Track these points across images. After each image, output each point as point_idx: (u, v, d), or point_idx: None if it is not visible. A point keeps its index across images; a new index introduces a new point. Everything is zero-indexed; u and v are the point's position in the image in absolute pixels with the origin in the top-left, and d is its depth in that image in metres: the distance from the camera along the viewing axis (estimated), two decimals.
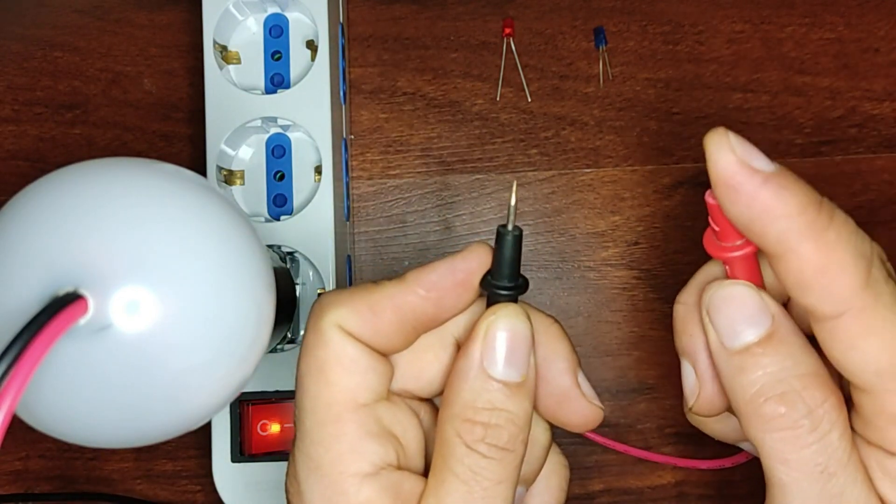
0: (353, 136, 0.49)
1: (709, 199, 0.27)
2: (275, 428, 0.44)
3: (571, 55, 0.49)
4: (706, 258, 0.30)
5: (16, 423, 0.24)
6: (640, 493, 0.48)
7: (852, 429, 0.28)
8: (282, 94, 0.44)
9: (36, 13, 0.50)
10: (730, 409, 0.31)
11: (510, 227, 0.29)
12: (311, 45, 0.46)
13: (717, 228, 0.28)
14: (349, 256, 0.48)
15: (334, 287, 0.43)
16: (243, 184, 0.46)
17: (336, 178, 0.44)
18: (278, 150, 0.46)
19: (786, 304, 0.29)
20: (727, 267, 0.29)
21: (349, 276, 0.47)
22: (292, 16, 0.46)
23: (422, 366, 0.31)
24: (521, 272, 0.30)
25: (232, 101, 0.44)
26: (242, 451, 0.43)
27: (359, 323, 0.29)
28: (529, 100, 0.49)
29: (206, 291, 0.26)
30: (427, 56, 0.49)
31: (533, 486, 0.33)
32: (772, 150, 0.48)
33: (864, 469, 0.27)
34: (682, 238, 0.48)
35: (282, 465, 0.43)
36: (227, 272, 0.27)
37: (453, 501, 0.28)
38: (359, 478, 0.28)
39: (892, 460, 0.27)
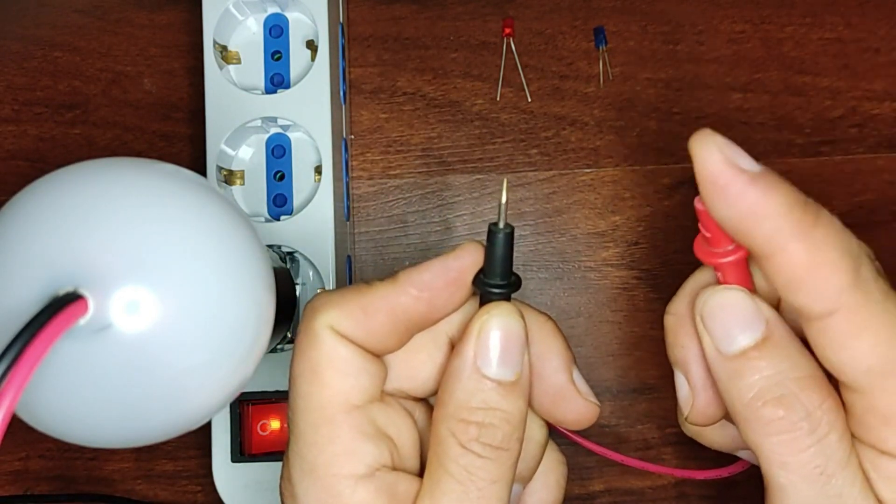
0: (353, 136, 0.49)
1: (698, 205, 0.27)
2: (275, 428, 0.44)
3: (571, 55, 0.49)
4: None
5: (16, 423, 0.24)
6: (641, 493, 0.48)
7: None
8: (282, 94, 0.44)
9: (36, 13, 0.50)
10: (725, 417, 0.31)
11: (501, 226, 0.28)
12: (311, 45, 0.46)
13: (707, 235, 0.28)
14: (349, 256, 0.48)
15: (334, 287, 0.43)
16: (243, 184, 0.46)
17: (336, 178, 0.44)
18: (278, 150, 0.46)
19: (776, 308, 0.29)
20: (719, 273, 0.29)
21: (349, 277, 0.47)
22: (292, 16, 0.46)
23: (416, 366, 0.31)
24: (520, 272, 0.30)
25: (232, 101, 0.44)
26: (242, 451, 0.43)
27: (351, 324, 0.29)
28: (530, 100, 0.49)
29: (206, 291, 0.26)
30: (427, 56, 0.49)
31: (530, 483, 0.33)
32: (772, 150, 0.48)
33: (862, 470, 0.27)
34: (682, 238, 0.48)
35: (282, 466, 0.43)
36: (227, 272, 0.27)
37: (449, 501, 0.28)
38: (353, 479, 0.28)
39: (885, 459, 0.27)
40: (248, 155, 0.46)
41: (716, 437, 0.33)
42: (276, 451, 0.44)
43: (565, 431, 0.34)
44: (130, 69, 0.50)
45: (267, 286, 0.29)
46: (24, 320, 0.22)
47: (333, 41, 0.45)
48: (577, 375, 0.31)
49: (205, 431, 0.44)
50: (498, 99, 0.49)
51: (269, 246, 0.43)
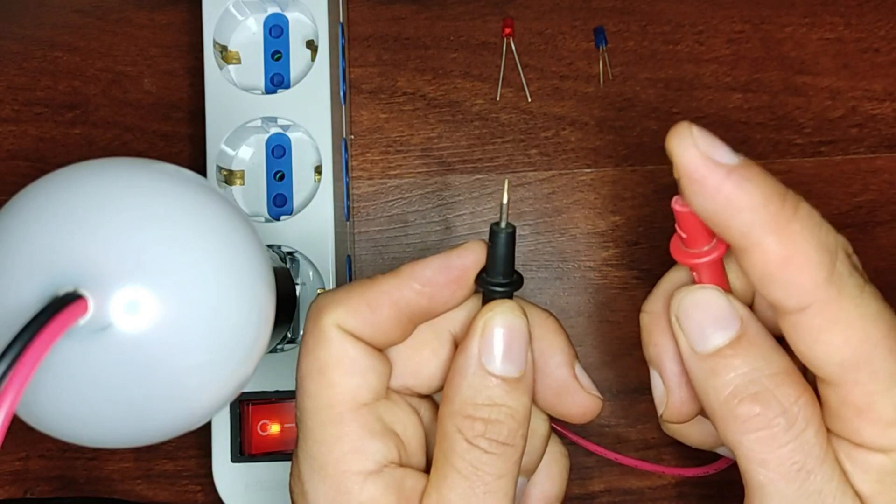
0: (353, 136, 0.49)
1: (675, 205, 0.27)
2: (275, 428, 0.44)
3: (571, 55, 0.49)
4: None
5: (16, 423, 0.24)
6: (641, 493, 0.48)
7: None
8: (282, 94, 0.44)
9: (36, 13, 0.50)
10: (702, 413, 0.31)
11: (503, 225, 0.29)
12: (311, 45, 0.46)
13: (683, 235, 0.28)
14: (349, 256, 0.48)
15: (334, 287, 0.43)
16: (243, 184, 0.46)
17: (336, 178, 0.44)
18: (278, 150, 0.46)
19: (750, 306, 0.29)
20: (694, 273, 0.29)
21: (349, 277, 0.47)
22: (292, 16, 0.46)
23: (420, 362, 0.31)
24: (521, 272, 0.30)
25: (232, 100, 0.44)
26: (242, 451, 0.43)
27: (357, 321, 0.29)
28: (529, 100, 0.49)
29: (206, 291, 0.26)
30: (427, 56, 0.49)
31: (534, 476, 0.34)
32: (772, 150, 0.48)
33: (839, 464, 0.27)
34: None
35: (282, 465, 0.43)
36: (227, 272, 0.27)
37: (455, 497, 0.28)
38: (362, 476, 0.28)
39: (861, 452, 0.27)
40: (248, 155, 0.46)
41: (694, 434, 0.33)
42: (277, 451, 0.44)
43: (563, 430, 0.34)
44: (130, 69, 0.50)
45: (267, 286, 0.29)
46: (24, 320, 0.22)
47: (333, 41, 0.45)
48: (579, 370, 0.32)
49: (205, 431, 0.44)
50: (498, 99, 0.49)
51: (269, 246, 0.43)
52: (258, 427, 0.44)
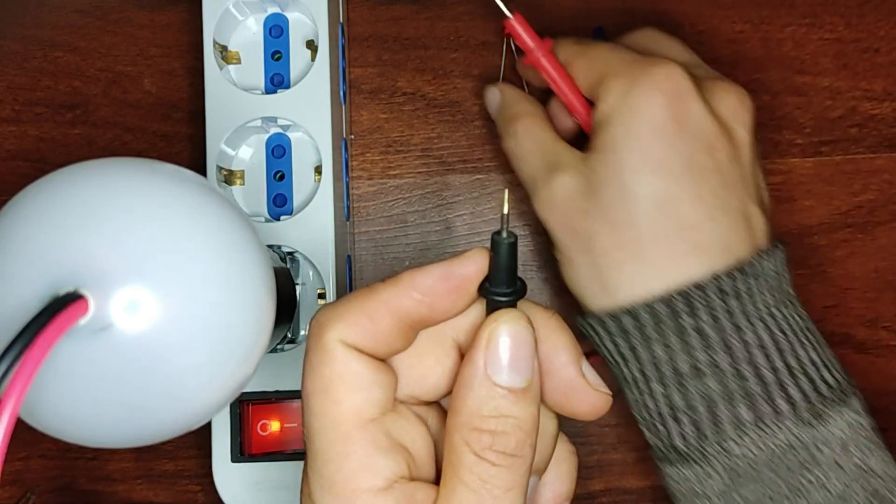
0: (353, 136, 0.49)
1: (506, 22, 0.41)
2: (275, 428, 0.44)
3: None
4: None
5: (16, 423, 0.24)
6: (641, 493, 0.48)
7: None
8: (282, 94, 0.44)
9: (36, 13, 0.50)
10: None
11: (504, 235, 0.28)
12: (311, 45, 0.46)
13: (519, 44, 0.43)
14: (349, 256, 0.48)
15: (334, 287, 0.43)
16: (243, 184, 0.45)
17: (336, 178, 0.44)
18: (278, 150, 0.45)
19: None
20: (545, 75, 0.43)
21: (349, 277, 0.47)
22: (292, 16, 0.46)
23: (424, 371, 0.31)
24: (520, 272, 0.30)
25: (232, 101, 0.44)
26: (242, 451, 0.43)
27: (358, 333, 0.29)
28: None
29: (207, 291, 0.26)
30: (427, 56, 0.49)
31: (544, 475, 0.33)
32: (772, 150, 0.48)
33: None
34: None
35: (282, 466, 0.43)
36: (227, 272, 0.27)
37: None
38: (372, 493, 0.28)
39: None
40: (248, 155, 0.46)
41: None
42: (277, 451, 0.44)
43: None
44: (131, 69, 0.50)
45: (267, 286, 0.29)
46: (24, 320, 0.22)
47: (333, 41, 0.45)
48: (586, 368, 0.31)
49: (205, 431, 0.44)
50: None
51: (269, 246, 0.43)
52: (258, 427, 0.44)
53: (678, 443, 0.40)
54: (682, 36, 0.48)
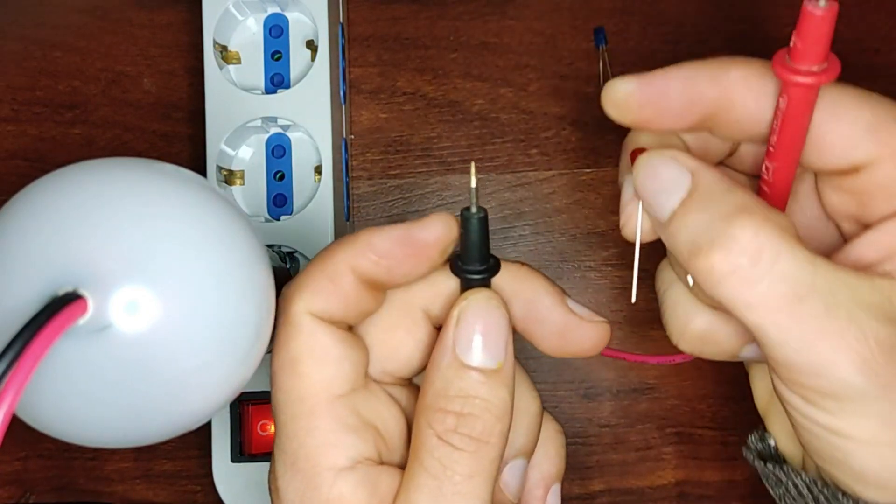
0: (353, 136, 0.49)
1: (808, 4, 0.23)
2: (275, 428, 0.44)
3: (572, 55, 0.49)
4: None
5: (15, 423, 0.24)
6: (641, 493, 0.48)
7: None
8: (282, 94, 0.44)
9: (36, 13, 0.50)
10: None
11: (474, 210, 0.27)
12: (311, 45, 0.46)
13: (798, 44, 0.24)
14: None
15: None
16: (243, 184, 0.45)
17: (336, 178, 0.44)
18: (278, 150, 0.45)
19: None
20: (782, 98, 0.26)
21: None
22: (292, 16, 0.46)
23: (395, 344, 0.30)
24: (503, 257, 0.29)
25: (232, 100, 0.44)
26: (242, 451, 0.43)
27: (323, 298, 0.28)
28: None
29: (206, 292, 0.26)
30: (427, 56, 0.49)
31: (532, 457, 0.32)
32: None
33: (843, 272, 0.25)
34: None
35: None
36: (226, 272, 0.27)
37: (422, 498, 0.27)
38: (334, 472, 0.27)
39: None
40: (248, 155, 0.46)
41: (708, 345, 0.31)
42: None
43: (617, 353, 0.33)
44: (130, 69, 0.50)
45: (267, 286, 0.29)
46: (23, 320, 0.22)
47: (333, 41, 0.45)
48: (573, 304, 0.30)
49: (205, 431, 0.44)
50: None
51: (269, 246, 0.43)
52: (258, 427, 0.44)
53: None
54: (683, 36, 0.48)
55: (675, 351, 0.31)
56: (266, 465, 0.43)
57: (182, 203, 0.26)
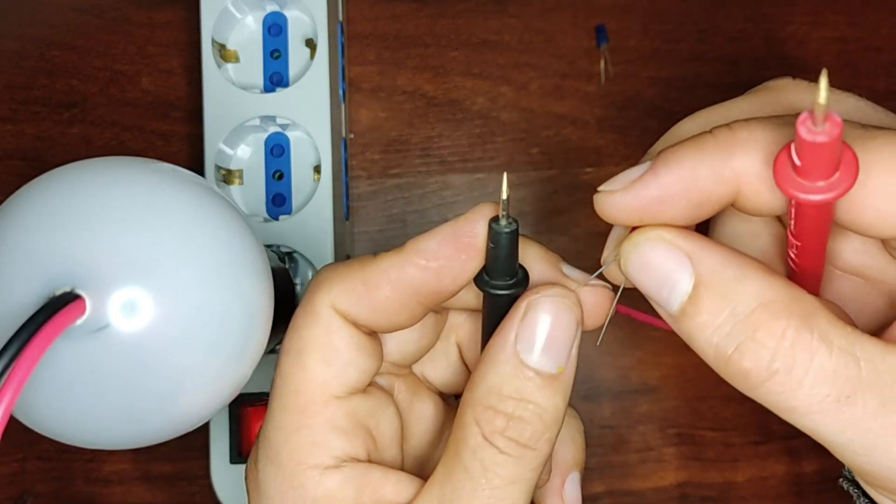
0: (352, 135, 0.49)
1: (801, 128, 0.20)
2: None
3: (572, 53, 0.49)
4: None
5: (14, 424, 0.24)
6: (643, 494, 0.48)
7: None
8: (281, 93, 0.44)
9: (33, 12, 0.50)
10: None
11: (503, 224, 0.25)
12: (310, 44, 0.45)
13: (798, 163, 0.21)
14: (348, 256, 0.47)
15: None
16: (242, 183, 0.45)
17: (335, 178, 0.44)
18: (277, 150, 0.45)
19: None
20: (790, 210, 0.23)
21: None
22: (291, 14, 0.46)
23: (400, 334, 0.30)
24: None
25: (230, 99, 0.44)
26: (241, 453, 0.43)
27: (352, 301, 0.27)
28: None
29: (204, 292, 0.26)
30: (427, 54, 0.49)
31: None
32: None
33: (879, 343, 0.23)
34: None
35: None
36: (224, 273, 0.27)
37: (456, 497, 0.26)
38: (318, 470, 0.27)
39: None
40: (247, 154, 0.45)
41: None
42: None
43: (630, 311, 0.32)
44: (128, 68, 0.49)
45: (265, 287, 0.29)
46: (21, 320, 0.22)
47: (332, 39, 0.45)
48: (568, 269, 0.29)
49: (203, 433, 0.44)
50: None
51: (268, 246, 0.43)
52: (257, 428, 0.43)
53: None
54: (685, 34, 0.48)
55: None
56: None
57: (180, 203, 0.26)
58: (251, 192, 0.45)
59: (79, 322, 0.24)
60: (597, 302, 0.28)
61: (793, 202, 0.23)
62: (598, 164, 0.48)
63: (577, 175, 0.48)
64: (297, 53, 0.46)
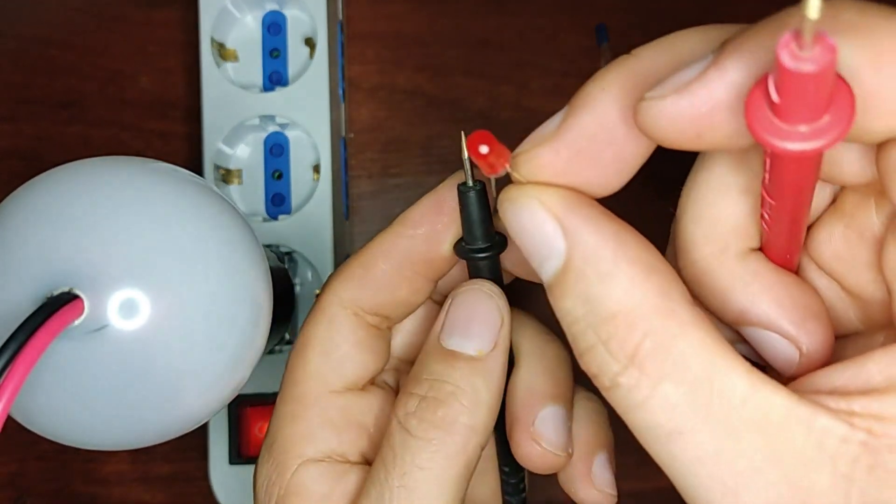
0: (352, 135, 0.49)
1: (782, 52, 0.16)
2: None
3: (573, 52, 0.49)
4: None
5: (12, 425, 0.24)
6: (644, 495, 0.47)
7: None
8: (280, 92, 0.44)
9: (32, 11, 0.50)
10: None
11: (470, 183, 0.26)
12: (310, 43, 0.45)
13: (776, 100, 0.17)
14: (348, 256, 0.47)
15: None
16: (241, 183, 0.45)
17: (335, 177, 0.44)
18: (276, 149, 0.45)
19: None
20: (766, 172, 0.19)
21: None
22: (290, 13, 0.46)
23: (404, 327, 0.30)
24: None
25: (229, 99, 0.44)
26: (240, 454, 0.43)
27: (353, 285, 0.28)
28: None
29: (203, 292, 0.26)
30: (427, 53, 0.49)
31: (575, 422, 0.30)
32: None
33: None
34: None
35: None
36: (223, 273, 0.27)
37: (372, 490, 0.25)
38: (300, 460, 0.27)
39: None
40: (246, 153, 0.45)
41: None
42: None
43: None
44: (127, 67, 0.49)
45: (264, 287, 0.29)
46: (19, 320, 0.22)
47: (332, 38, 0.45)
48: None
49: (202, 433, 0.44)
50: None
51: (267, 246, 0.43)
52: (256, 429, 0.43)
53: None
54: None
55: None
56: None
57: (179, 203, 0.26)
58: (250, 191, 0.45)
59: (77, 322, 0.24)
60: None
61: (767, 151, 0.19)
62: None
63: None
64: (296, 52, 0.46)
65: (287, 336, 0.43)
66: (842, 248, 0.24)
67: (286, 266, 0.43)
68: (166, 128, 0.49)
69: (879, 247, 0.22)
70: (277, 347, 0.43)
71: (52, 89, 0.49)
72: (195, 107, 0.46)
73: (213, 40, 0.44)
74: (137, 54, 0.49)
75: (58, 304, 0.23)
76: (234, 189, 0.45)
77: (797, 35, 0.15)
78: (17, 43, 0.50)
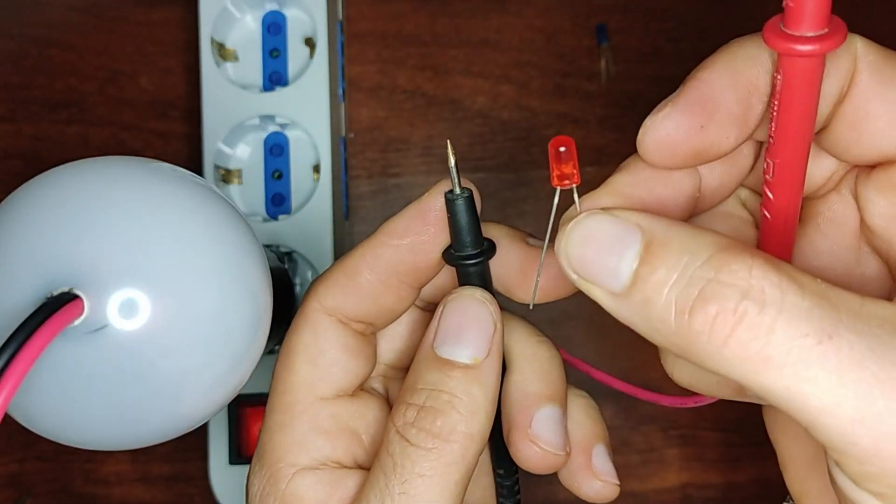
0: (352, 135, 0.49)
1: None
2: None
3: (573, 52, 0.49)
4: None
5: (12, 425, 0.24)
6: (645, 496, 0.47)
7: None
8: (280, 92, 0.44)
9: (32, 11, 0.50)
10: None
11: (457, 191, 0.26)
12: (310, 43, 0.45)
13: (791, 5, 0.20)
14: None
15: None
16: (241, 183, 0.45)
17: (335, 177, 0.44)
18: (276, 149, 0.45)
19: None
20: (777, 75, 0.21)
21: None
22: (290, 13, 0.46)
23: (393, 335, 0.30)
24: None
25: (229, 99, 0.44)
26: (240, 454, 0.43)
27: (337, 293, 0.28)
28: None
29: (203, 292, 0.26)
30: (427, 53, 0.49)
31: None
32: None
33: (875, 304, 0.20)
34: None
35: None
36: (223, 273, 0.27)
37: (373, 497, 0.25)
38: (294, 469, 0.27)
39: None
40: (246, 153, 0.45)
41: (703, 382, 0.27)
42: None
43: (572, 360, 0.32)
44: (127, 67, 0.49)
45: (264, 287, 0.29)
46: (18, 320, 0.22)
47: (332, 38, 0.45)
48: (533, 241, 0.29)
49: (202, 434, 0.44)
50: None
51: (267, 246, 0.43)
52: (256, 429, 0.43)
53: None
54: (685, 32, 0.48)
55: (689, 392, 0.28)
56: None
57: (179, 203, 0.26)
58: (250, 191, 0.45)
59: (77, 322, 0.23)
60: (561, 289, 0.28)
61: (778, 76, 0.21)
62: (598, 164, 0.48)
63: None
64: (296, 52, 0.46)
65: None
66: (834, 242, 0.25)
67: (286, 266, 0.43)
68: (166, 128, 0.49)
69: None
70: (277, 348, 0.43)
71: (52, 89, 0.49)
72: (195, 107, 0.46)
73: (212, 40, 0.44)
74: (137, 54, 0.49)
75: (57, 304, 0.23)
76: (234, 189, 0.45)
77: None
78: (16, 43, 0.50)
